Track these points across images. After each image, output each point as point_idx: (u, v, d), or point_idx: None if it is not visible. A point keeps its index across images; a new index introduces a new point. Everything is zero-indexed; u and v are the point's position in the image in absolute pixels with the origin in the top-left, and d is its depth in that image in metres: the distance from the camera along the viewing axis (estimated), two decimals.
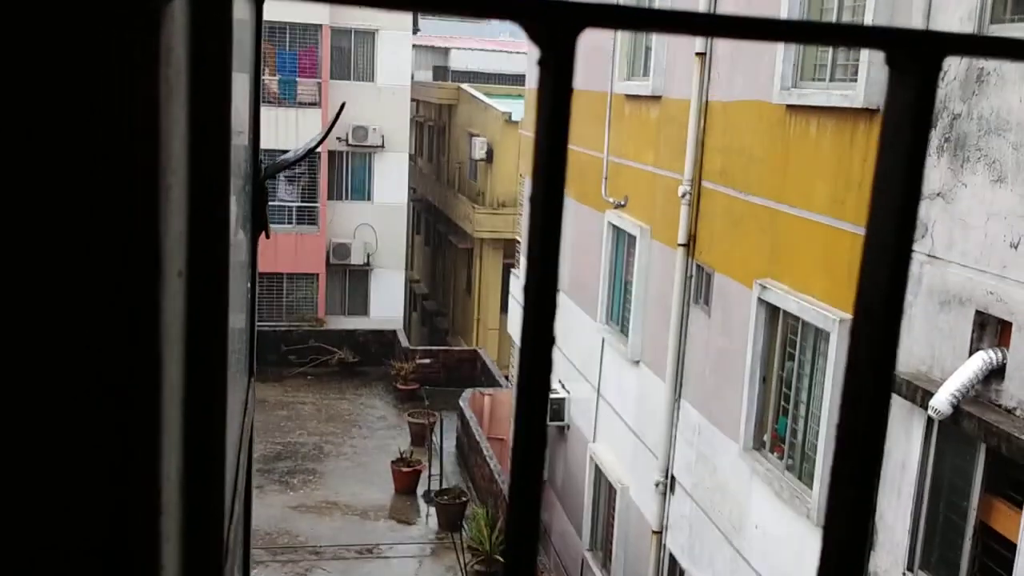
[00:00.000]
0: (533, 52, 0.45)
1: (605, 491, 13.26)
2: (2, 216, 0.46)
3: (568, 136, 0.46)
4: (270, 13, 24.53)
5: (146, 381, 0.51)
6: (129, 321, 0.49)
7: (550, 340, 0.47)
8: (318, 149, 25.35)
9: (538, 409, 0.46)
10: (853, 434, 0.53)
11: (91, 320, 0.49)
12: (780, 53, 8.74)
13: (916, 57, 0.49)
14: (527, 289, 0.46)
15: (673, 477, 11.09)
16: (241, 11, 1.36)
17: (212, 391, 0.76)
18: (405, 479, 17.83)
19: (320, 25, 25.61)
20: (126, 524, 0.54)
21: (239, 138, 1.50)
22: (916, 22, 6.88)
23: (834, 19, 8.24)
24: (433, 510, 17.01)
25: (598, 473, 13.45)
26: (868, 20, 7.46)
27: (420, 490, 17.87)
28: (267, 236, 1.81)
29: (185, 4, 0.57)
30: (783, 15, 8.67)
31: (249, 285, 1.79)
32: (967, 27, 6.44)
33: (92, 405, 0.51)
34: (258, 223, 1.73)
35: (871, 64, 7.41)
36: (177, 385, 0.63)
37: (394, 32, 26.60)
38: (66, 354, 0.49)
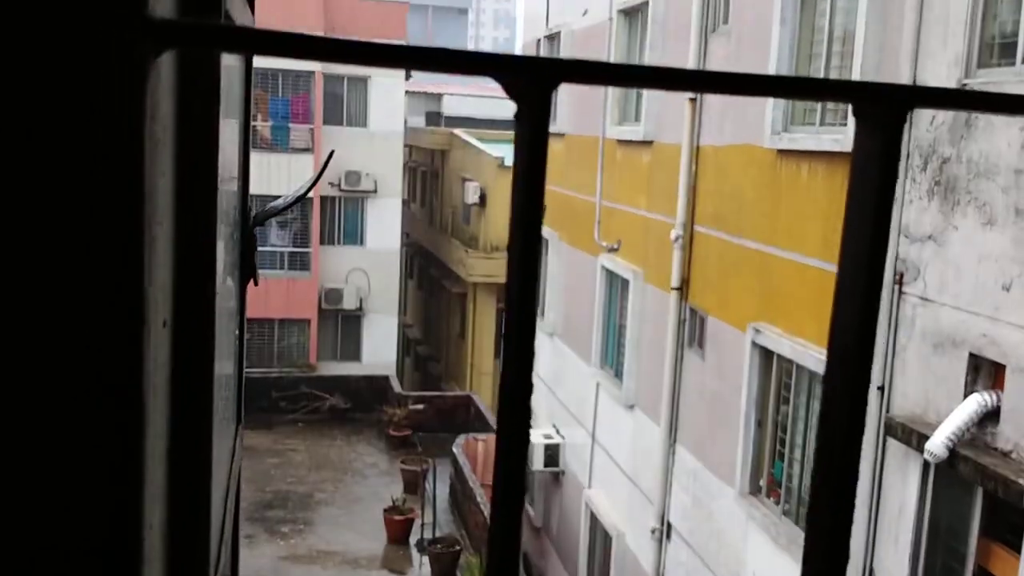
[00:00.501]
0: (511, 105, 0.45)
1: (601, 538, 13.12)
2: None
3: (544, 186, 0.46)
4: (263, 60, 24.75)
5: (129, 431, 0.50)
6: (112, 372, 0.48)
7: (528, 388, 0.46)
8: (310, 194, 25.45)
9: (518, 451, 0.45)
10: (828, 479, 0.53)
11: (73, 370, 0.48)
12: (770, 98, 8.82)
13: (882, 109, 0.50)
14: (506, 338, 0.46)
15: (669, 523, 10.98)
16: (230, 57, 1.36)
17: (198, 441, 0.74)
18: (398, 528, 17.63)
19: (313, 72, 25.85)
20: (107, 573, 0.53)
21: (228, 184, 1.50)
22: (904, 67, 6.96)
23: (823, 63, 8.34)
24: (426, 559, 16.80)
25: (593, 520, 13.32)
26: (857, 64, 7.54)
27: (413, 539, 17.66)
28: (255, 283, 1.79)
29: (173, 58, 0.57)
30: (772, 59, 8.77)
31: (237, 332, 1.77)
32: (954, 72, 6.52)
33: (73, 454, 0.50)
34: (247, 270, 1.72)
35: None
36: (162, 434, 0.61)
37: (387, 78, 26.84)
38: (48, 404, 0.48)
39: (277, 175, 25.10)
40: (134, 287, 0.49)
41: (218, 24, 0.43)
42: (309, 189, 2.59)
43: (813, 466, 0.54)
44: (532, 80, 0.46)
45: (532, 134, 0.46)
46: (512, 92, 0.46)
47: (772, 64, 8.78)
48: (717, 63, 10.14)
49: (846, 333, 0.55)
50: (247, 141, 1.87)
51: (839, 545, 0.52)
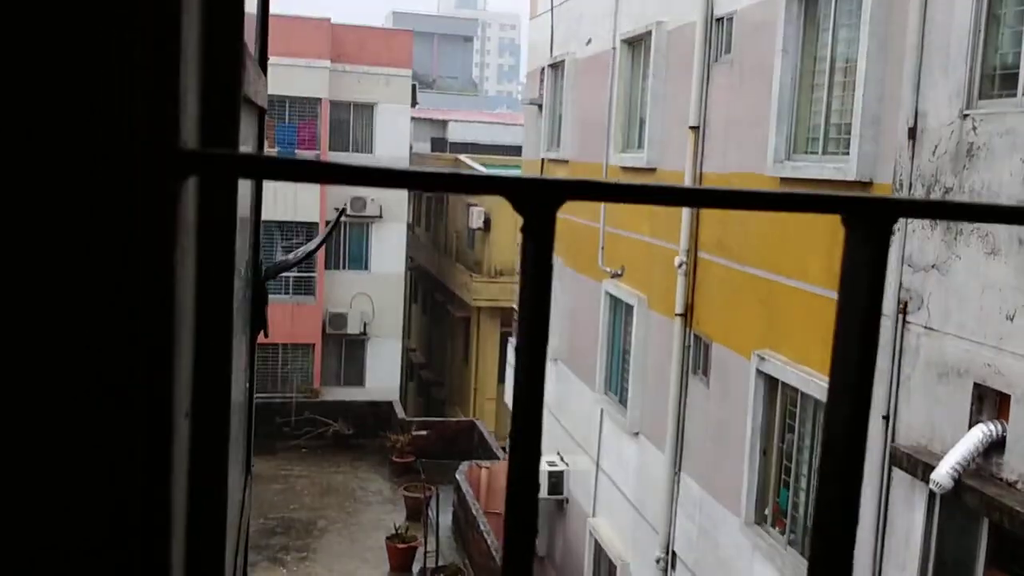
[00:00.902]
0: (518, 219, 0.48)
1: (605, 568, 13.05)
2: (21, 367, 0.48)
3: (550, 294, 0.48)
4: (271, 87, 24.94)
5: (156, 532, 0.52)
6: (142, 468, 0.51)
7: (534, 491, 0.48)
8: (315, 219, 25.54)
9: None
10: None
11: (104, 466, 0.50)
12: (773, 126, 8.88)
13: (870, 220, 0.53)
14: (512, 436, 0.48)
15: (674, 553, 10.93)
16: (249, 130, 1.39)
17: (212, 524, 0.76)
18: (400, 556, 17.54)
19: (319, 99, 26.01)
20: None
21: (242, 241, 1.52)
22: (905, 97, 7.00)
23: (825, 93, 8.39)
24: None
25: (598, 548, 13.25)
26: (859, 94, 7.59)
27: (416, 567, 17.57)
28: (266, 335, 1.82)
29: (195, 180, 0.60)
30: (774, 89, 8.83)
31: (247, 385, 1.79)
32: (956, 102, 6.55)
33: (103, 551, 0.52)
34: (258, 323, 1.74)
35: (862, 138, 7.53)
36: (180, 521, 0.64)
37: (392, 105, 27.01)
38: (77, 498, 0.50)
39: (283, 202, 25.22)
40: (163, 385, 0.51)
41: (240, 155, 0.46)
42: (320, 245, 2.62)
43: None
44: (539, 199, 0.48)
45: (538, 248, 0.48)
46: (520, 209, 0.49)
47: (774, 94, 8.84)
48: (719, 93, 10.21)
49: (838, 427, 0.57)
50: (259, 192, 1.90)
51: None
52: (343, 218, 26.71)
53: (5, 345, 0.47)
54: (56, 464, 0.50)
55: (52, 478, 0.50)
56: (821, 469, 0.56)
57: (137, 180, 0.47)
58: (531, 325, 0.47)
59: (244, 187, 1.47)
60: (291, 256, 2.43)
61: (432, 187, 0.46)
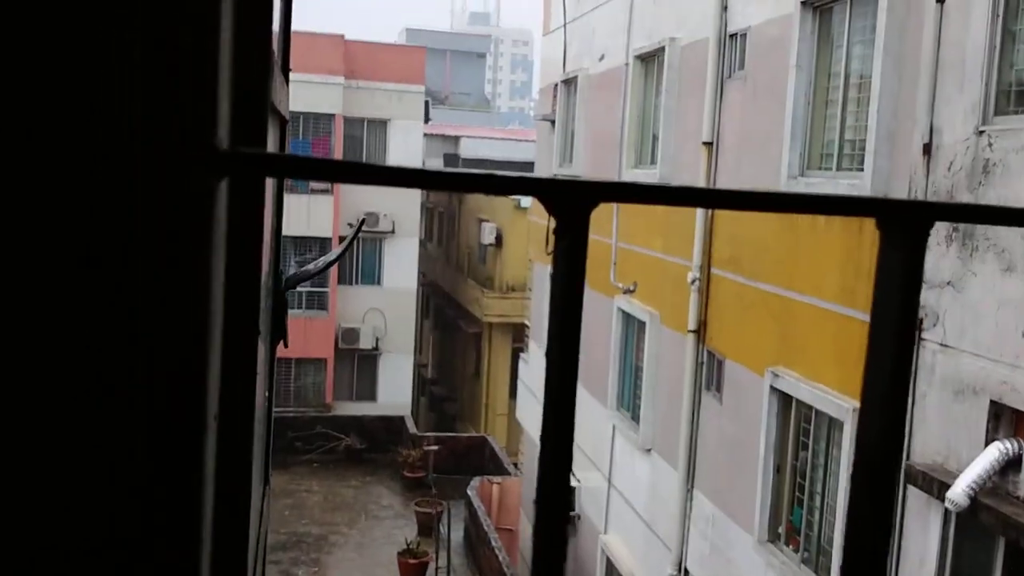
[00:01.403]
0: (551, 221, 0.48)
1: None
2: (66, 370, 0.48)
3: (583, 295, 0.48)
4: None
5: (188, 535, 0.52)
6: (172, 468, 0.51)
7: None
8: (328, 235, 25.63)
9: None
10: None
11: (137, 465, 0.51)
12: (787, 143, 8.87)
13: (905, 223, 0.52)
14: (542, 454, 0.48)
15: (687, 570, 10.86)
16: (273, 138, 1.40)
17: (237, 527, 0.76)
18: (412, 571, 17.49)
19: (333, 115, 26.14)
20: None
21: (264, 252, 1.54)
22: (920, 113, 6.99)
23: (839, 109, 8.38)
24: None
25: (610, 566, 13.18)
26: (873, 110, 7.58)
27: None
28: (285, 345, 1.82)
29: (227, 181, 0.61)
30: (788, 105, 8.82)
31: (267, 394, 1.79)
32: (971, 119, 6.54)
33: (134, 550, 0.52)
34: (278, 333, 1.75)
35: (877, 154, 7.51)
36: (208, 525, 0.63)
37: (405, 121, 27.12)
38: (113, 504, 0.51)
39: (296, 216, 25.30)
40: (198, 382, 0.51)
41: (271, 154, 0.47)
42: (341, 255, 2.64)
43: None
44: (572, 201, 0.48)
45: (572, 250, 0.48)
46: (553, 211, 0.49)
47: (788, 110, 8.83)
48: (733, 108, 10.21)
49: (872, 435, 0.56)
50: (281, 201, 1.91)
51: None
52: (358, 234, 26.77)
53: (38, 344, 0.48)
54: (84, 465, 0.50)
55: (77, 479, 0.50)
56: (853, 482, 0.56)
57: (175, 178, 0.47)
58: (563, 328, 0.47)
59: (266, 196, 1.48)
60: (311, 266, 2.44)
61: (463, 188, 0.46)
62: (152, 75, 0.47)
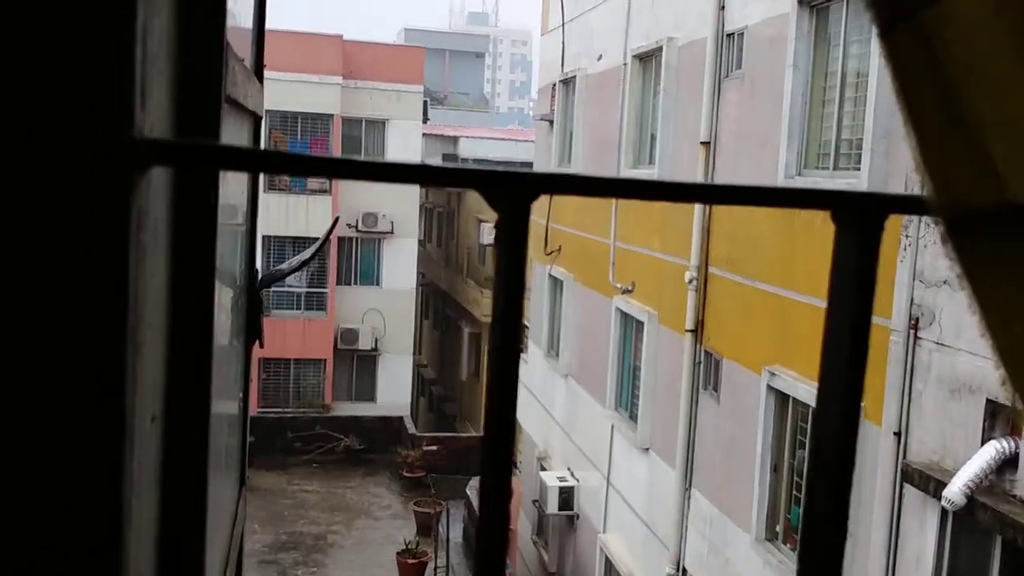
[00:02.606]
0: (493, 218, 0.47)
1: None
2: None
3: (524, 288, 0.48)
4: (283, 103, 25.10)
5: (108, 526, 0.51)
6: (91, 471, 0.50)
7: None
8: (334, 242, 25.61)
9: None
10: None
11: (54, 471, 0.49)
12: (784, 142, 8.87)
13: (860, 215, 0.51)
14: (485, 440, 0.48)
15: (685, 569, 10.86)
16: (239, 134, 1.40)
17: (191, 534, 0.75)
18: (411, 571, 17.49)
19: (332, 115, 26.14)
20: None
21: (237, 249, 1.53)
22: None
23: (836, 108, 8.38)
24: None
25: (608, 565, 13.18)
26: (870, 108, 7.58)
27: None
28: (261, 346, 1.82)
29: (170, 177, 0.60)
30: (785, 103, 8.82)
31: (241, 395, 1.79)
32: None
33: (52, 555, 0.50)
34: (252, 333, 1.74)
35: (874, 153, 7.51)
36: (149, 531, 0.62)
37: (404, 121, 27.12)
38: (26, 501, 0.49)
39: (295, 217, 25.32)
40: (113, 387, 0.50)
41: (201, 144, 0.46)
42: (314, 255, 2.63)
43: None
44: (513, 193, 0.48)
45: (512, 243, 0.48)
46: (494, 204, 0.48)
47: (785, 109, 8.83)
48: (730, 108, 10.21)
49: (829, 424, 0.56)
50: (255, 200, 1.90)
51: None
52: (356, 233, 26.81)
53: None
54: None
55: None
56: (809, 480, 0.56)
57: (86, 175, 0.47)
58: (504, 324, 0.47)
59: (238, 195, 1.47)
60: (285, 265, 2.44)
61: (402, 179, 0.46)
62: (61, 63, 0.46)
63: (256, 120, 1.75)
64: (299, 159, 0.43)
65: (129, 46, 0.49)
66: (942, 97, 0.48)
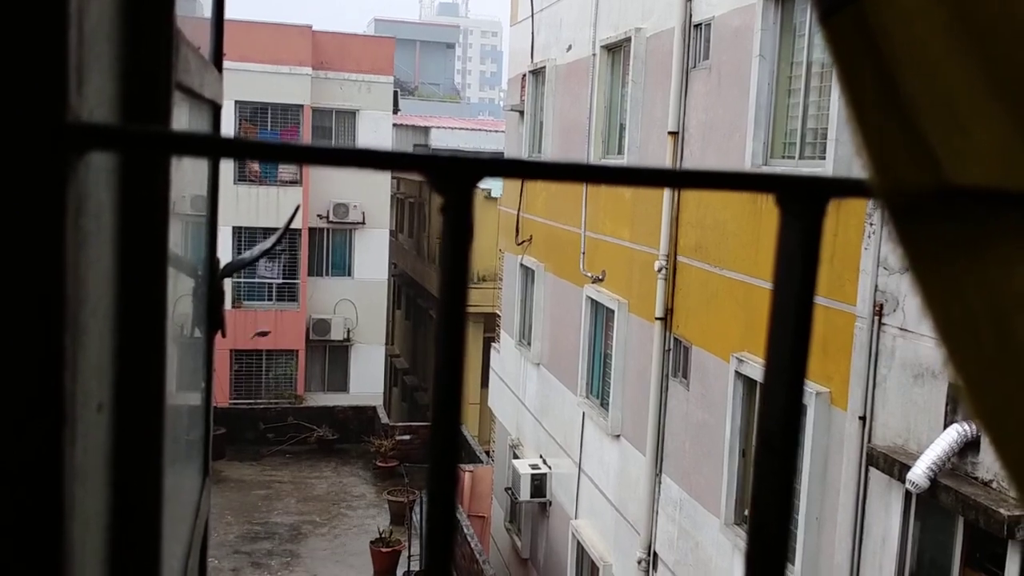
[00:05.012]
0: (438, 198, 0.49)
1: (588, 569, 13.07)
2: None
3: (468, 271, 0.49)
4: (253, 94, 24.89)
5: (49, 518, 0.51)
6: (28, 455, 0.50)
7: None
8: (299, 227, 25.48)
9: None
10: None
11: None
12: (751, 131, 8.94)
13: (803, 200, 0.52)
14: (433, 414, 0.49)
15: (655, 553, 10.96)
16: (196, 123, 1.40)
17: (145, 524, 0.76)
18: (384, 560, 17.50)
19: (302, 105, 25.97)
20: None
21: (197, 236, 1.53)
22: None
23: (801, 97, 8.46)
24: None
25: (580, 550, 13.27)
26: (834, 97, 7.65)
27: (400, 570, 17.53)
28: (223, 335, 1.83)
29: (120, 162, 0.60)
30: (752, 93, 8.89)
31: (204, 384, 1.80)
32: None
33: None
34: (214, 321, 1.75)
35: (838, 142, 7.59)
36: (97, 521, 0.63)
37: (375, 112, 26.99)
38: None
39: (266, 207, 25.15)
40: (51, 374, 0.50)
41: (136, 128, 0.46)
42: (275, 244, 2.64)
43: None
44: (455, 176, 0.48)
45: (457, 226, 0.49)
46: (437, 187, 0.49)
47: (752, 99, 8.90)
48: (698, 98, 10.27)
49: (775, 415, 0.56)
50: (216, 186, 1.90)
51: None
52: (327, 224, 26.67)
53: None
54: None
55: None
56: (756, 461, 0.55)
57: (17, 160, 0.46)
58: (449, 306, 0.48)
59: (196, 183, 1.48)
60: (247, 254, 2.45)
61: (344, 163, 0.48)
62: None
63: (215, 109, 1.75)
64: (240, 144, 0.45)
65: (61, 28, 0.49)
66: (880, 81, 0.49)
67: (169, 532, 0.97)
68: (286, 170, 26.15)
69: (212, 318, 1.73)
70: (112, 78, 0.62)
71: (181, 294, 1.18)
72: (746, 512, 8.44)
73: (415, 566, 17.26)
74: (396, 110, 28.54)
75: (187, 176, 1.22)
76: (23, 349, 0.49)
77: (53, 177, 0.47)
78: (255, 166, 25.78)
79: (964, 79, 0.46)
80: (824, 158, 7.89)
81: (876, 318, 7.07)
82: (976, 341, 0.49)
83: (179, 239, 1.08)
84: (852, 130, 0.51)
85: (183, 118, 1.13)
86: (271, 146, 0.45)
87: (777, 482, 0.54)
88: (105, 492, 0.66)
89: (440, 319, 0.51)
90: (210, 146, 0.45)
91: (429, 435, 0.52)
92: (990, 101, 0.46)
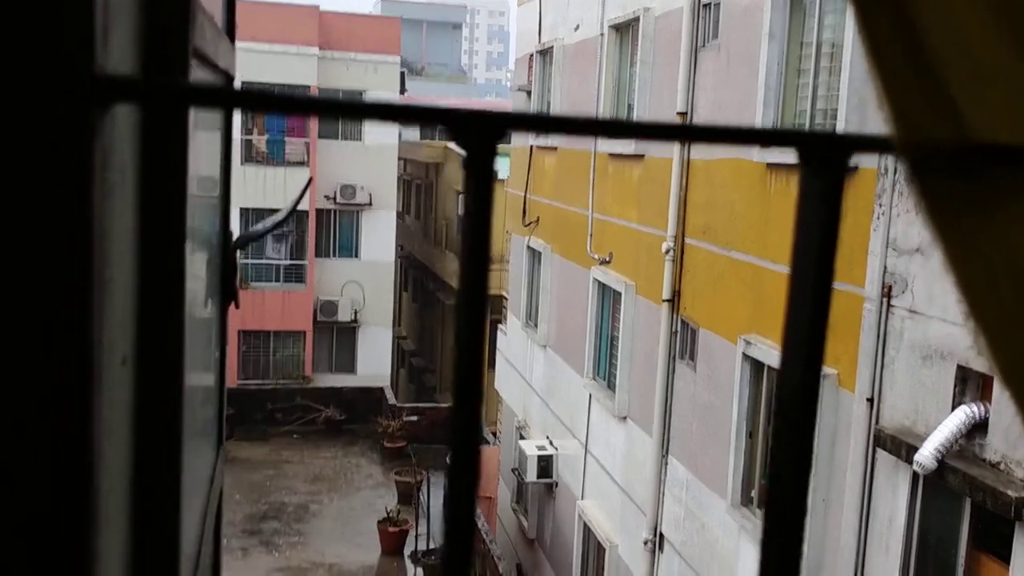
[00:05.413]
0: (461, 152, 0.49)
1: (594, 549, 13.12)
2: None
3: (491, 227, 0.49)
4: (260, 75, 24.85)
5: (77, 472, 0.51)
6: (58, 412, 0.50)
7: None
8: (306, 208, 25.49)
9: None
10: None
11: (16, 414, 0.50)
12: (760, 111, 8.89)
13: (824, 154, 0.51)
14: (455, 383, 0.49)
15: (662, 534, 11.00)
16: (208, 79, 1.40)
17: (164, 483, 0.76)
18: (392, 539, 17.61)
19: (308, 86, 25.92)
20: None
21: (208, 209, 1.54)
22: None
23: (811, 77, 8.41)
24: (420, 571, 16.78)
25: (587, 531, 13.32)
26: (844, 77, 7.60)
27: (407, 550, 17.64)
28: (236, 306, 1.83)
29: (141, 120, 0.60)
30: (761, 73, 8.84)
31: (218, 354, 1.80)
32: None
33: (16, 509, 0.50)
34: (227, 293, 1.75)
35: (848, 123, 7.55)
36: (121, 479, 0.63)
37: (381, 92, 26.92)
38: None
39: (273, 188, 25.16)
40: (80, 328, 0.50)
41: (162, 80, 0.46)
42: (288, 216, 2.65)
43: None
44: (479, 131, 0.48)
45: (479, 180, 0.48)
46: (460, 142, 0.49)
47: (761, 79, 8.85)
48: (706, 77, 10.21)
49: (793, 373, 0.56)
50: (228, 161, 1.91)
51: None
52: (334, 205, 26.67)
53: None
54: None
55: None
56: (774, 436, 0.55)
57: (47, 111, 0.46)
58: (473, 263, 0.48)
59: (212, 153, 1.48)
60: (260, 226, 2.46)
61: (365, 116, 0.48)
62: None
63: (229, 80, 1.75)
64: (262, 96, 0.45)
65: None
66: (901, 28, 0.48)
67: (187, 496, 0.97)
68: (293, 151, 26.15)
69: (225, 290, 1.73)
70: (132, 41, 0.62)
71: (196, 262, 1.18)
72: (752, 493, 8.48)
73: (422, 545, 17.36)
74: (403, 91, 28.49)
75: (201, 146, 1.22)
76: (53, 297, 0.49)
77: (82, 126, 0.47)
78: (262, 147, 25.76)
79: (981, 21, 0.46)
80: None
81: (885, 300, 7.05)
82: (996, 295, 0.49)
83: (193, 208, 1.09)
84: (870, 76, 0.51)
85: (197, 83, 1.13)
86: (300, 99, 0.45)
87: (795, 462, 0.53)
88: (128, 448, 0.66)
89: (464, 271, 0.51)
90: (234, 99, 0.45)
91: (452, 382, 0.52)
92: (1014, 52, 0.45)
